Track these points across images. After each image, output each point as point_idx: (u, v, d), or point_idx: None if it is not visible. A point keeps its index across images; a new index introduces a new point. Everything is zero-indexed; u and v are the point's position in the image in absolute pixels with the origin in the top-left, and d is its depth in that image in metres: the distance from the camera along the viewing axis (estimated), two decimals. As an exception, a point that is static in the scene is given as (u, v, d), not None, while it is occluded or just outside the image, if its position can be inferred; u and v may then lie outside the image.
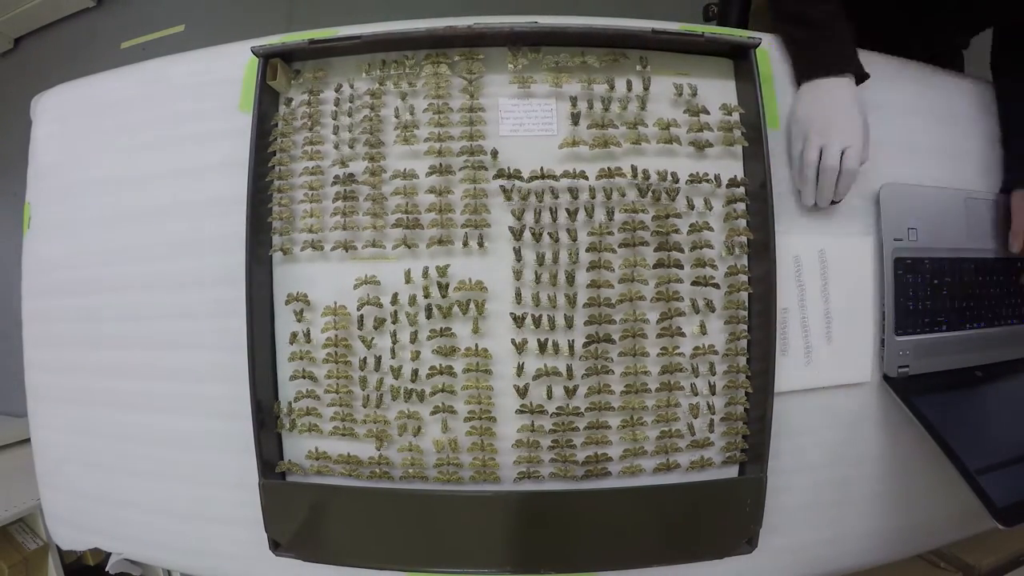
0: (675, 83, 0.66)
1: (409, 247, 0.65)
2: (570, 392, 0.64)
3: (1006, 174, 0.75)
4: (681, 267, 0.64)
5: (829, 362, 0.68)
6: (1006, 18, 0.75)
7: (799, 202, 0.68)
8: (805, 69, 0.67)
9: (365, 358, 0.65)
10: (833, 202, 0.67)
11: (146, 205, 0.71)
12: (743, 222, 0.65)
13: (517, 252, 0.64)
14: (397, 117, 0.66)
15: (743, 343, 0.65)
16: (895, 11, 0.79)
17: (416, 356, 0.65)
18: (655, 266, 0.64)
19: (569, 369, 0.64)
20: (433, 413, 0.64)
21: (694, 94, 0.66)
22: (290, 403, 0.66)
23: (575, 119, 0.66)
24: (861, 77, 0.66)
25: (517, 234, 0.64)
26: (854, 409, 0.69)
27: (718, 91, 0.67)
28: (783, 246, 0.64)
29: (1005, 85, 0.77)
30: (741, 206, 0.65)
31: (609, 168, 0.64)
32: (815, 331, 0.68)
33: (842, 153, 0.64)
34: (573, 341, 0.64)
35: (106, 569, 0.77)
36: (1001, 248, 0.74)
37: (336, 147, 0.67)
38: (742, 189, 0.65)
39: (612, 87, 0.66)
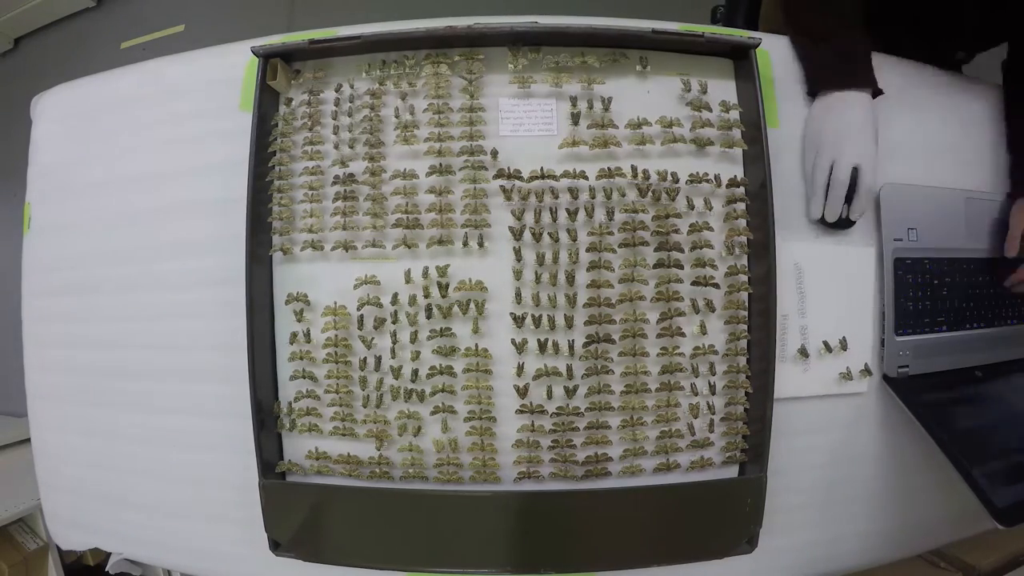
0: (682, 79, 0.66)
1: (409, 247, 0.65)
2: (570, 392, 0.64)
3: (1012, 180, 0.75)
4: (681, 267, 0.64)
5: (829, 366, 0.68)
6: None
7: (807, 214, 0.68)
8: (820, 81, 0.66)
9: (365, 358, 0.65)
10: (851, 222, 0.67)
11: (146, 205, 0.71)
12: (743, 222, 0.65)
13: (517, 252, 0.64)
14: (397, 117, 0.66)
15: (743, 343, 0.65)
16: (905, 23, 0.77)
17: (416, 356, 0.65)
18: (655, 266, 0.64)
19: (569, 369, 0.64)
20: (433, 413, 0.64)
21: (704, 91, 0.66)
22: (290, 403, 0.66)
23: (575, 119, 0.66)
24: (876, 93, 0.65)
25: (517, 234, 0.64)
26: (854, 409, 0.69)
27: (718, 91, 0.67)
28: (784, 250, 0.64)
29: (1018, 90, 0.76)
30: (741, 206, 0.65)
31: (609, 168, 0.64)
32: (814, 334, 0.68)
33: (856, 170, 0.63)
34: (573, 341, 0.64)
35: (106, 569, 0.77)
36: (996, 250, 0.74)
37: (336, 147, 0.67)
38: (742, 189, 0.65)
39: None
